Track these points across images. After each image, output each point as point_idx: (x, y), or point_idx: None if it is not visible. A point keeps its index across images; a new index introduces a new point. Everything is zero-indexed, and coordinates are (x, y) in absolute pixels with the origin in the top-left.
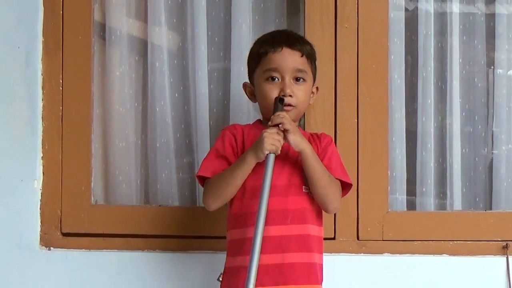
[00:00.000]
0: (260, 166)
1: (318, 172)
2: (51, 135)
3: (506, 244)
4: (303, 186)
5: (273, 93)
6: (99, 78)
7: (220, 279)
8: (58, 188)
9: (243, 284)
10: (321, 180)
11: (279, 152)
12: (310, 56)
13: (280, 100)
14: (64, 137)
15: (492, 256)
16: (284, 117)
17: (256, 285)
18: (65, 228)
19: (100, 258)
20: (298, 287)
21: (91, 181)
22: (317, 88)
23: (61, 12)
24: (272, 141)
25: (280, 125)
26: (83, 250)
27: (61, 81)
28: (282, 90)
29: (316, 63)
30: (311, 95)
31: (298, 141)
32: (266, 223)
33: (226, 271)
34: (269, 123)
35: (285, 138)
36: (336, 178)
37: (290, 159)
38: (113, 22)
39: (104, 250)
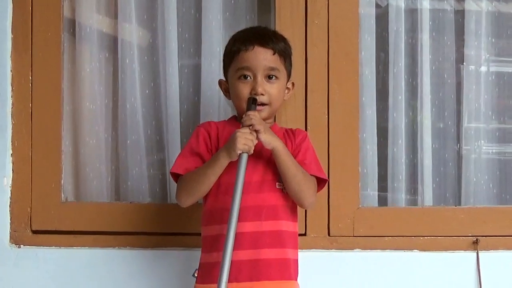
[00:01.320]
0: (235, 162)
1: (291, 168)
2: (21, 132)
3: (476, 240)
4: (277, 183)
5: (245, 91)
6: (69, 75)
7: (195, 275)
8: (28, 185)
9: (217, 279)
10: (295, 176)
11: (252, 151)
12: (283, 53)
13: (253, 101)
14: (33, 134)
15: (463, 251)
16: (254, 118)
17: (230, 280)
18: (35, 226)
19: (71, 255)
20: (271, 282)
21: (61, 178)
22: (292, 83)
23: (31, 8)
24: (244, 141)
25: (250, 127)
26: (53, 247)
27: (30, 78)
28: (253, 89)
29: (292, 58)
30: (286, 91)
31: (269, 140)
32: (241, 219)
33: (201, 267)
34: (241, 121)
35: (257, 137)
36: (311, 174)
37: (264, 156)
38: (83, 18)
39: (75, 247)
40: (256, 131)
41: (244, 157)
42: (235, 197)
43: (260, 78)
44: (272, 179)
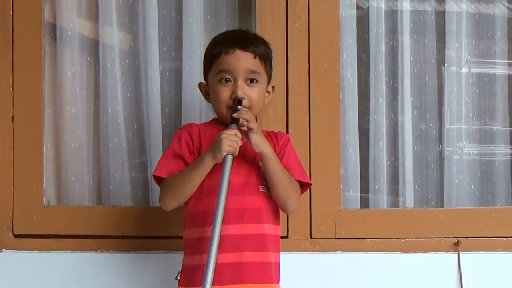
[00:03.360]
0: (218, 165)
1: (279, 174)
2: (2, 136)
3: (458, 241)
4: (260, 186)
5: (225, 94)
6: (51, 79)
7: (178, 277)
8: (9, 189)
9: (201, 282)
10: (282, 181)
11: (237, 153)
12: (264, 56)
13: (238, 102)
14: (15, 138)
15: (444, 252)
16: (250, 115)
17: (213, 283)
18: (17, 230)
19: (53, 259)
20: (254, 286)
21: (43, 182)
22: (273, 87)
23: (11, 12)
24: (230, 142)
25: (245, 122)
26: (36, 251)
27: (11, 81)
28: (233, 92)
29: (272, 61)
30: (266, 95)
31: (259, 142)
32: (224, 222)
33: (184, 269)
34: (235, 114)
35: (246, 136)
36: (296, 179)
37: (247, 158)
38: (64, 22)
39: (57, 251)
40: (249, 129)
41: (229, 159)
42: (220, 199)
43: (241, 81)
44: (256, 182)
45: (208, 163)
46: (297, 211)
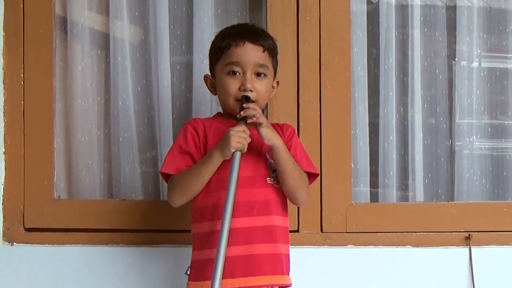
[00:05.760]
0: (225, 160)
1: (289, 166)
2: (13, 130)
3: (469, 235)
4: (268, 178)
5: (234, 87)
6: (61, 72)
7: (188, 272)
8: (20, 183)
9: (211, 276)
10: (292, 173)
11: (245, 150)
12: (272, 51)
13: (246, 99)
14: (26, 132)
15: (455, 247)
16: (257, 110)
17: (225, 276)
18: (28, 223)
19: (64, 253)
20: (265, 278)
21: (54, 176)
22: (277, 82)
23: (22, 5)
24: (238, 139)
25: (253, 118)
26: (47, 245)
27: (22, 75)
28: (242, 84)
29: (278, 57)
30: (272, 90)
31: (270, 135)
32: (233, 215)
33: (193, 264)
34: (241, 113)
35: (255, 128)
36: (303, 170)
37: (254, 150)
38: (75, 15)
39: (68, 245)
40: (258, 124)
41: (238, 155)
42: (229, 195)
43: (250, 74)
44: (263, 174)
45: (216, 160)
46: (306, 202)
